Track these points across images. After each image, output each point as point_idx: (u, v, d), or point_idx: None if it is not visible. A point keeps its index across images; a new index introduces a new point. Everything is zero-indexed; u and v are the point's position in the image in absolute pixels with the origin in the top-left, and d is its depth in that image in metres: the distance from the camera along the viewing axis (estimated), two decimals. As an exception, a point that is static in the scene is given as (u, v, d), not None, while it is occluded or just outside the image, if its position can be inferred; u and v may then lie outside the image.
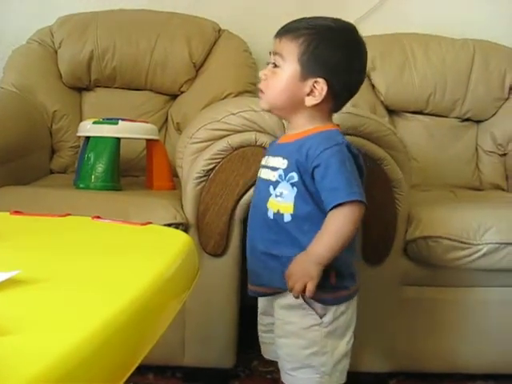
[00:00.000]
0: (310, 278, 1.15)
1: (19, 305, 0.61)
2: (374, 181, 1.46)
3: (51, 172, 2.12)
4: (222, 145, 1.50)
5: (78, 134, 1.88)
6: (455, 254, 1.59)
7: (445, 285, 1.68)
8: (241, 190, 1.51)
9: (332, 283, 1.20)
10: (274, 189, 1.22)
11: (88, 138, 1.77)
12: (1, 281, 0.64)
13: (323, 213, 1.17)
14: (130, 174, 1.97)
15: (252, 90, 2.12)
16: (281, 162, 1.22)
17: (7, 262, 0.75)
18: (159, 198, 1.61)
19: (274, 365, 1.40)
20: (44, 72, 2.17)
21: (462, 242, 1.58)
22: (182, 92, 2.18)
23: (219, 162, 1.51)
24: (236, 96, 2.10)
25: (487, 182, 2.22)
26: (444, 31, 2.31)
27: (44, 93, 2.12)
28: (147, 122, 1.89)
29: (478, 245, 1.58)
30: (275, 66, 1.23)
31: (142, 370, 1.61)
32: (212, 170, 1.51)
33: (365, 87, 2.14)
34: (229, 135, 1.50)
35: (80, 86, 2.20)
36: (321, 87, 1.19)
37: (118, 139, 1.74)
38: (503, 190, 2.19)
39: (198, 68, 2.18)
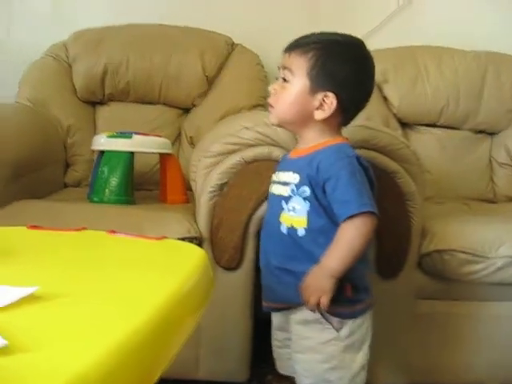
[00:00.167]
0: (324, 291, 1.15)
1: (37, 322, 0.61)
2: (388, 194, 1.46)
3: (65, 185, 2.13)
4: (235, 159, 1.50)
5: (93, 148, 1.90)
6: (470, 268, 1.58)
7: (459, 299, 1.66)
8: (254, 203, 1.51)
9: (348, 296, 1.20)
10: (287, 203, 1.23)
11: (102, 151, 1.78)
12: (20, 297, 0.65)
13: (337, 225, 1.18)
14: (144, 187, 1.98)
15: (265, 103, 2.12)
16: (292, 177, 1.23)
17: (26, 278, 0.76)
18: (173, 212, 1.62)
19: (288, 379, 1.40)
20: (58, 86, 2.19)
21: (476, 256, 1.57)
22: (195, 106, 2.19)
23: (233, 177, 1.51)
24: (249, 109, 2.11)
25: (501, 195, 2.21)
26: (456, 43, 2.31)
27: (58, 107, 2.14)
28: (161, 136, 1.90)
29: (493, 258, 1.57)
30: (284, 80, 1.24)
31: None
32: (226, 183, 1.51)
33: (377, 100, 2.16)
34: (242, 149, 1.51)
35: (94, 101, 2.22)
36: (330, 101, 1.20)
37: (132, 153, 1.75)
38: (517, 202, 2.18)
39: (211, 82, 2.19)
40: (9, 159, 1.69)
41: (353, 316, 1.22)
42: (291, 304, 1.23)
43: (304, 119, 1.23)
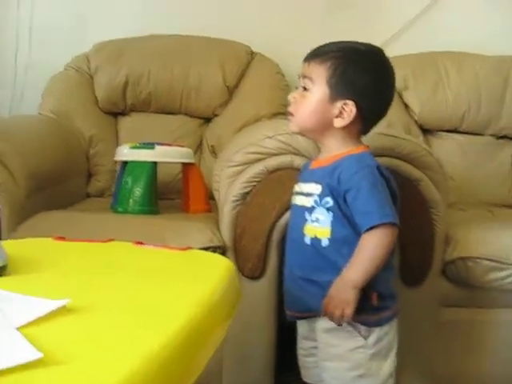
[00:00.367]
0: (347, 303, 1.16)
1: (70, 334, 0.62)
2: (411, 202, 1.46)
3: (88, 195, 2.15)
4: (258, 168, 1.51)
5: (116, 159, 1.91)
6: (495, 275, 1.57)
7: (483, 306, 1.65)
8: (277, 212, 1.51)
9: (374, 304, 1.20)
10: (310, 214, 1.23)
11: (125, 162, 1.80)
12: (52, 310, 0.66)
13: (359, 235, 1.18)
14: (166, 197, 1.99)
15: (285, 111, 2.11)
16: (314, 188, 1.23)
17: (56, 290, 0.77)
18: (196, 222, 1.63)
19: (313, 388, 1.40)
20: (81, 98, 2.21)
21: (501, 263, 1.56)
22: (216, 115, 2.21)
23: (256, 185, 1.51)
24: (269, 118, 2.12)
25: (524, 200, 2.19)
26: (476, 48, 2.30)
27: (81, 118, 2.17)
28: (183, 146, 1.91)
29: (519, 265, 1.56)
30: (305, 89, 1.25)
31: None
32: (249, 193, 1.52)
33: (398, 106, 2.15)
34: (265, 158, 1.51)
35: (116, 111, 2.24)
36: (350, 109, 1.21)
37: (155, 163, 1.76)
38: (540, 207, 2.16)
39: (232, 91, 2.21)
40: (33, 172, 1.71)
41: (379, 324, 1.22)
42: (316, 313, 1.23)
43: (324, 127, 1.24)
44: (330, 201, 1.20)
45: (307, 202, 1.24)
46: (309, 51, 1.28)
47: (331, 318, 1.18)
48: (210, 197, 1.82)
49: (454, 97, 2.20)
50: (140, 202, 1.71)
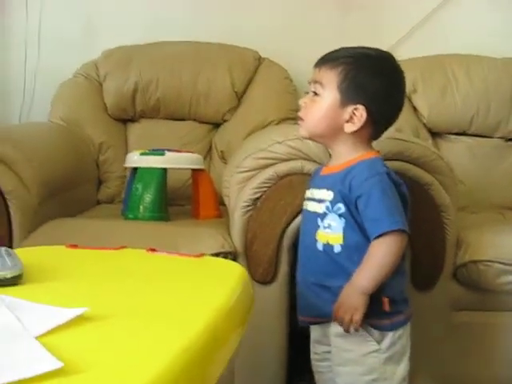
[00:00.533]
0: (356, 309, 1.16)
1: (89, 343, 0.63)
2: (422, 206, 1.46)
3: (98, 202, 2.16)
4: (268, 173, 1.51)
5: (126, 165, 1.92)
6: (506, 278, 1.56)
7: (495, 309, 1.65)
8: (288, 217, 1.52)
9: (386, 309, 1.20)
10: (322, 221, 1.23)
11: (135, 169, 1.81)
12: (70, 318, 0.66)
13: (370, 242, 1.19)
14: (176, 203, 1.99)
15: (294, 116, 2.12)
16: (326, 194, 1.23)
17: (72, 298, 0.77)
18: (206, 228, 1.63)
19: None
20: (90, 105, 2.23)
21: (513, 266, 1.56)
22: (225, 121, 2.21)
23: (266, 191, 1.52)
24: (278, 123, 2.13)
25: (535, 203, 2.18)
26: (484, 50, 2.30)
27: (90, 125, 2.18)
28: (193, 152, 1.92)
29: (530, 268, 1.56)
30: (315, 94, 1.25)
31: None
32: (259, 198, 1.52)
33: (407, 110, 2.15)
34: (275, 164, 1.51)
35: (125, 118, 2.25)
36: (360, 114, 1.21)
37: (165, 170, 1.77)
38: (551, 210, 2.15)
39: (240, 96, 2.21)
40: (44, 179, 1.72)
41: (393, 328, 1.23)
42: (329, 318, 1.23)
43: (334, 132, 1.25)
44: (342, 207, 1.20)
45: (319, 208, 1.24)
46: (317, 56, 1.29)
47: (341, 324, 1.19)
48: (220, 202, 1.83)
49: (462, 99, 2.19)
50: (150, 209, 1.72)
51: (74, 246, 1.11)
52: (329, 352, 1.28)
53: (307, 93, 1.29)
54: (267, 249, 1.54)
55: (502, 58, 2.27)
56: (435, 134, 2.22)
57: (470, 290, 1.61)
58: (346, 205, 1.20)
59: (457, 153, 2.19)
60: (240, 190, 1.55)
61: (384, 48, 1.34)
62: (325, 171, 1.30)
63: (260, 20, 2.37)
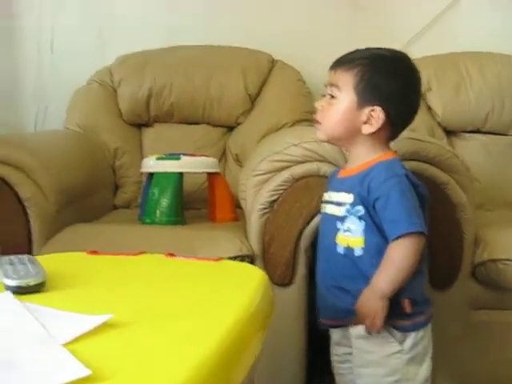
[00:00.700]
0: (376, 312, 1.17)
1: (116, 350, 0.64)
2: (439, 205, 1.45)
3: (115, 207, 2.17)
4: (284, 176, 1.52)
5: (142, 170, 1.94)
6: (526, 277, 1.56)
7: (514, 308, 1.64)
8: (305, 219, 1.52)
9: (407, 310, 1.20)
10: (342, 224, 1.23)
11: (151, 173, 1.82)
12: (96, 326, 0.67)
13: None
14: (192, 206, 2.00)
15: (308, 118, 2.14)
16: (346, 197, 1.23)
17: (96, 305, 0.78)
18: (223, 231, 1.64)
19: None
20: (105, 111, 2.24)
21: (532, 264, 1.55)
22: (239, 124, 2.22)
23: (282, 193, 1.52)
24: (292, 125, 2.13)
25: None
26: (497, 47, 2.28)
27: (106, 131, 2.19)
28: (208, 156, 1.93)
29: (550, 266, 1.55)
30: (332, 97, 1.25)
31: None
32: (276, 201, 1.53)
33: (421, 109, 2.13)
34: (291, 166, 1.52)
35: (140, 123, 2.26)
36: (377, 115, 1.21)
37: (181, 174, 1.78)
38: None
39: (254, 99, 2.22)
40: (62, 186, 1.73)
41: (414, 328, 1.23)
42: (350, 320, 1.24)
43: (352, 134, 1.25)
44: (361, 209, 1.20)
45: (338, 211, 1.24)
46: (330, 58, 1.29)
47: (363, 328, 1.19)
48: (236, 205, 1.83)
49: (476, 97, 2.18)
50: (167, 213, 1.73)
51: (95, 253, 1.12)
52: (349, 353, 1.28)
53: (323, 96, 1.29)
54: (284, 251, 1.55)
55: (515, 54, 2.26)
56: (450, 133, 2.21)
57: (488, 288, 1.60)
58: (365, 207, 1.20)
59: (472, 151, 2.18)
60: (256, 193, 1.56)
61: (396, 48, 1.34)
62: (342, 174, 1.30)
63: (273, 23, 2.37)
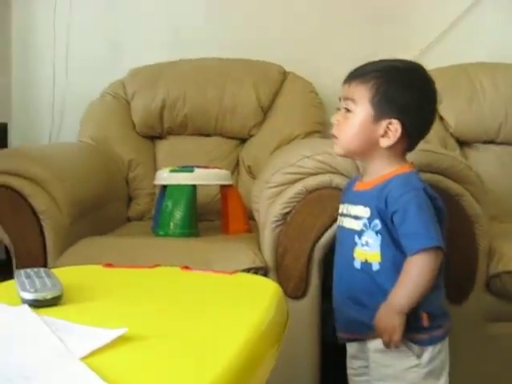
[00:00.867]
0: (393, 328, 1.16)
1: (132, 363, 0.64)
2: (453, 217, 1.44)
3: (128, 219, 2.18)
4: (297, 188, 1.52)
5: (156, 183, 1.95)
6: (541, 288, 1.55)
7: (530, 320, 1.63)
8: (318, 231, 1.52)
9: (424, 324, 1.19)
10: (360, 238, 1.23)
11: (165, 186, 1.83)
12: (111, 339, 0.68)
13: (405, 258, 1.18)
14: (205, 218, 2.00)
15: (320, 129, 2.15)
16: (363, 211, 1.22)
17: (112, 318, 0.79)
18: (237, 243, 1.64)
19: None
20: (118, 123, 2.26)
21: (547, 276, 1.54)
22: (252, 136, 2.23)
23: (295, 205, 1.52)
24: (304, 137, 2.13)
25: None
26: (509, 58, 2.28)
27: (119, 143, 2.21)
28: (221, 168, 1.93)
29: None
30: (348, 110, 1.24)
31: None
32: (289, 213, 1.53)
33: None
34: (304, 178, 1.52)
35: (153, 135, 2.28)
36: (395, 128, 1.21)
37: (195, 186, 1.78)
38: None
39: (266, 111, 2.23)
40: (76, 199, 1.75)
41: (431, 342, 1.22)
42: (368, 334, 1.23)
43: (369, 148, 1.24)
44: (378, 223, 1.20)
45: (356, 225, 1.24)
46: (341, 69, 1.29)
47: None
48: (249, 217, 1.83)
49: (489, 108, 2.17)
50: (181, 225, 1.74)
51: (110, 265, 1.12)
52: (365, 367, 1.28)
53: (338, 109, 1.28)
54: (298, 263, 1.55)
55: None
56: (463, 144, 2.21)
57: (503, 300, 1.59)
58: (383, 220, 1.19)
59: (485, 162, 2.17)
60: (270, 205, 1.56)
61: (408, 59, 1.34)
62: (359, 186, 1.29)
63: (284, 35, 2.39)
